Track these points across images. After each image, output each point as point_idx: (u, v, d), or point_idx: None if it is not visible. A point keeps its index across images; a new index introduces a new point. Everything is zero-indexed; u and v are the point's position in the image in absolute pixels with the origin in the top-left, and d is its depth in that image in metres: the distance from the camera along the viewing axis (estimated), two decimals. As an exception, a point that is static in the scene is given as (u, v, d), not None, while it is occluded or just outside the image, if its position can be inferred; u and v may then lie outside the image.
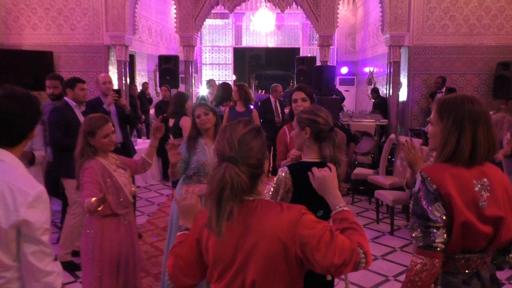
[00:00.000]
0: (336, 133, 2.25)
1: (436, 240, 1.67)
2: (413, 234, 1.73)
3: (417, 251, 1.71)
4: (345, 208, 1.68)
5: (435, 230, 1.67)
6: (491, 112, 4.72)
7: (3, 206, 1.56)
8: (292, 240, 1.47)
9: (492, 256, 1.82)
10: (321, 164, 2.08)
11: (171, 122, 4.91)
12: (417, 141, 5.82)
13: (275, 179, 2.24)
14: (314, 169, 1.81)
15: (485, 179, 1.73)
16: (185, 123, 5.15)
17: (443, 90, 8.04)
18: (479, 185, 1.71)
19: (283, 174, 2.19)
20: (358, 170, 6.89)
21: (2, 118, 1.64)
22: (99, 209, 2.40)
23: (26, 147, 1.93)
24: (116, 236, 2.77)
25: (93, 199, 2.41)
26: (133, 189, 2.91)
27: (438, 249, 1.67)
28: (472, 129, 1.72)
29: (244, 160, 1.50)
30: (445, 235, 1.67)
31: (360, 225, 1.61)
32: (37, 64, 8.28)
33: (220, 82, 7.75)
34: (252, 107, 6.10)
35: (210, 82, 8.17)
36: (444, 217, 1.67)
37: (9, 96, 1.68)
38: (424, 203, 1.70)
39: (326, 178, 1.75)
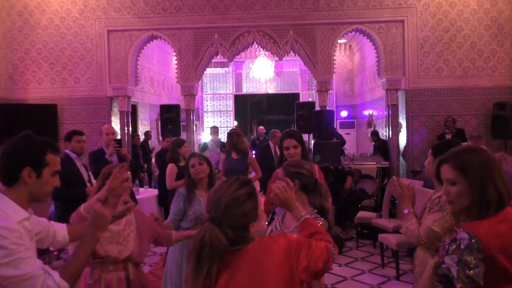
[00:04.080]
0: (321, 184, 2.43)
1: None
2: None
3: None
4: (307, 216, 1.91)
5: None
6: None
7: None
8: (294, 265, 1.60)
9: None
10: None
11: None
12: (417, 183, 5.82)
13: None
14: (273, 187, 1.96)
15: None
16: (168, 170, 5.27)
17: (453, 130, 8.10)
18: None
19: (321, 223, 2.28)
20: (361, 214, 6.85)
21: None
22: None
23: None
24: None
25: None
26: (108, 250, 2.63)
27: None
28: (496, 176, 1.68)
29: (227, 223, 1.55)
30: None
31: (320, 227, 1.91)
32: (41, 117, 8.47)
33: (222, 129, 7.88)
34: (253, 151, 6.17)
35: (213, 130, 8.31)
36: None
37: (12, 139, 1.81)
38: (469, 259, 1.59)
39: (287, 196, 1.93)
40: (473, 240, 1.59)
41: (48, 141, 1.87)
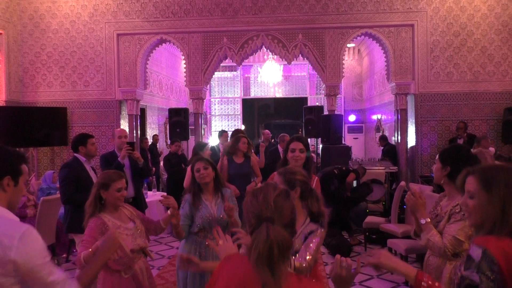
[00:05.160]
0: (315, 190, 2.47)
1: None
2: None
3: None
4: None
5: None
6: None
7: None
8: None
9: None
10: None
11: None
12: (427, 188, 5.77)
13: (316, 239, 2.30)
14: (338, 258, 1.78)
15: None
16: (188, 171, 5.25)
17: (465, 135, 8.02)
18: None
19: (323, 232, 2.34)
20: (369, 219, 6.80)
21: None
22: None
23: None
24: None
25: (89, 250, 2.53)
26: (139, 243, 2.88)
27: None
28: None
29: (279, 220, 1.53)
30: None
31: None
32: (51, 120, 8.54)
33: (230, 132, 7.86)
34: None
35: (222, 133, 8.29)
36: None
37: None
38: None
39: (352, 277, 1.77)
40: (486, 253, 1.55)
41: (20, 152, 1.98)
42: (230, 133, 7.95)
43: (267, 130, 11.30)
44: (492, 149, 7.24)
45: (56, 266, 1.77)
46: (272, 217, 1.52)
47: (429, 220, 2.57)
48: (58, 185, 6.92)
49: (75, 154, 4.50)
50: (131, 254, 2.80)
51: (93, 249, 2.52)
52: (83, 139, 4.52)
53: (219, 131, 8.58)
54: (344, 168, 7.42)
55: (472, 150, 3.35)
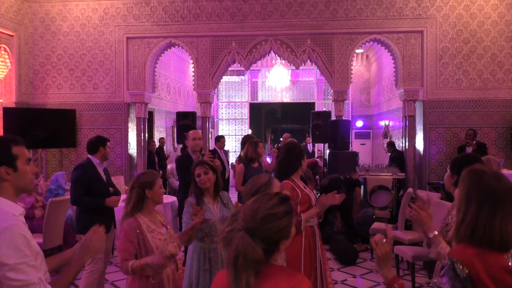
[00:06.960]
0: None
1: None
2: None
3: None
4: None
5: None
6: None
7: None
8: None
9: None
10: None
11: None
12: (434, 195, 5.74)
13: None
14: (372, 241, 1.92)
15: None
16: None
17: (474, 143, 7.96)
18: None
19: None
20: (376, 225, 6.76)
21: None
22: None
23: None
24: None
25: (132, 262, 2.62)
26: (170, 250, 2.73)
27: None
28: (481, 210, 1.64)
29: (260, 235, 1.52)
30: None
31: None
32: (60, 122, 8.60)
33: (237, 137, 7.85)
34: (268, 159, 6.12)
35: (220, 139, 8.29)
36: None
37: None
38: None
39: (384, 252, 1.89)
40: (456, 265, 1.58)
41: (7, 136, 1.94)
42: (234, 138, 7.95)
43: (287, 134, 10.87)
44: None
45: (34, 268, 1.72)
46: (253, 229, 1.52)
47: (437, 232, 2.52)
48: (67, 187, 6.97)
49: (90, 156, 4.49)
50: (163, 260, 2.69)
51: (142, 262, 2.59)
52: (103, 141, 4.55)
53: (217, 136, 8.57)
54: (348, 176, 7.45)
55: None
